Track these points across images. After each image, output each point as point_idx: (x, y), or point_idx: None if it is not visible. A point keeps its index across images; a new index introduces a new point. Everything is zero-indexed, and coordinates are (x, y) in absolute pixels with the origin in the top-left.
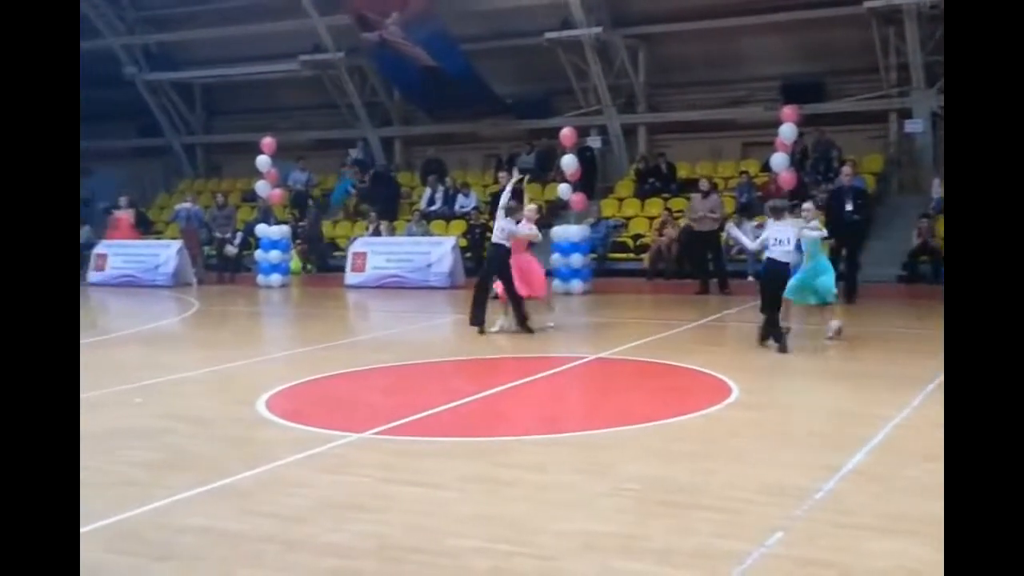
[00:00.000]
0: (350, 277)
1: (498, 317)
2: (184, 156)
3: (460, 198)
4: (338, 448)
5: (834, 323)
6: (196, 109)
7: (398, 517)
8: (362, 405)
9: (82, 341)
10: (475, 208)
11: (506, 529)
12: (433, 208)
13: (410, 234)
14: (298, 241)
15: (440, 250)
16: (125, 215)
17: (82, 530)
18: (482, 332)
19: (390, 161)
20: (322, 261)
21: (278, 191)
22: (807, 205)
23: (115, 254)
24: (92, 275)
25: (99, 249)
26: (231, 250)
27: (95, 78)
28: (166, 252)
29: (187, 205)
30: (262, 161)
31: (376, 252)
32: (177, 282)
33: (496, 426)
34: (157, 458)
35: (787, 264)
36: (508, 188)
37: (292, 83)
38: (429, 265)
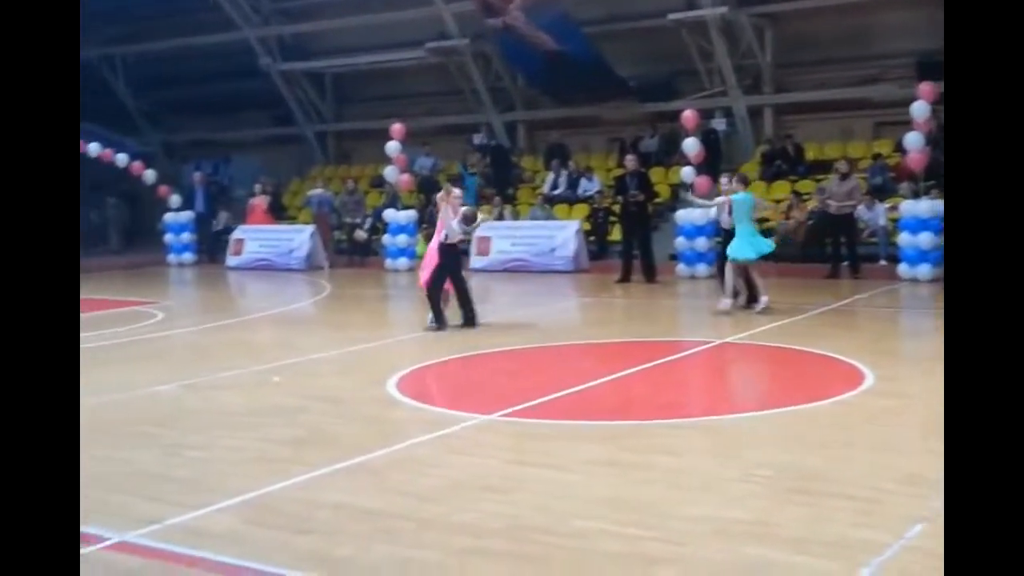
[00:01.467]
0: (475, 261)
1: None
2: (316, 144)
3: (583, 182)
4: (467, 429)
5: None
6: (327, 98)
7: (526, 498)
8: (490, 387)
9: (221, 322)
10: (598, 192)
11: (635, 513)
12: (556, 192)
13: (533, 218)
14: (424, 225)
15: (564, 234)
16: (260, 201)
17: (224, 503)
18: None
19: (513, 145)
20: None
21: (406, 176)
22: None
23: (252, 239)
24: (230, 259)
25: (237, 234)
26: (360, 235)
27: (233, 70)
28: (299, 237)
29: (318, 191)
30: (391, 147)
31: (500, 236)
32: (309, 266)
33: (624, 410)
34: (295, 435)
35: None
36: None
37: (418, 70)
38: (553, 249)
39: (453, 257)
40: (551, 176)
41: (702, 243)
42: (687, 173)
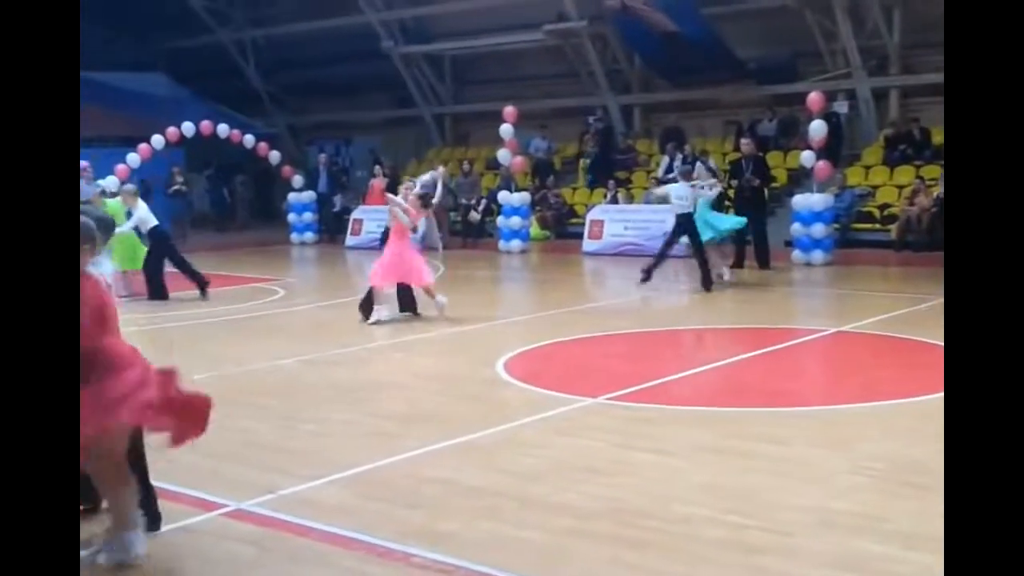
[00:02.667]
0: (587, 244)
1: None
2: (434, 125)
3: (698, 166)
4: (573, 411)
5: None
6: (446, 80)
7: (630, 482)
8: (597, 370)
9: (338, 300)
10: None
11: (740, 501)
12: (671, 176)
13: (647, 202)
14: (538, 208)
15: None
16: (379, 182)
17: (336, 476)
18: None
19: (629, 128)
20: (560, 228)
21: (519, 159)
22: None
23: (370, 219)
24: (349, 239)
25: (356, 214)
26: (475, 216)
27: (356, 53)
28: None
29: (436, 172)
30: (504, 129)
31: (613, 220)
32: (424, 246)
33: (733, 396)
34: (405, 412)
35: (689, 213)
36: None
37: (536, 52)
38: (666, 233)
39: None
40: (666, 159)
41: (819, 229)
42: (807, 158)
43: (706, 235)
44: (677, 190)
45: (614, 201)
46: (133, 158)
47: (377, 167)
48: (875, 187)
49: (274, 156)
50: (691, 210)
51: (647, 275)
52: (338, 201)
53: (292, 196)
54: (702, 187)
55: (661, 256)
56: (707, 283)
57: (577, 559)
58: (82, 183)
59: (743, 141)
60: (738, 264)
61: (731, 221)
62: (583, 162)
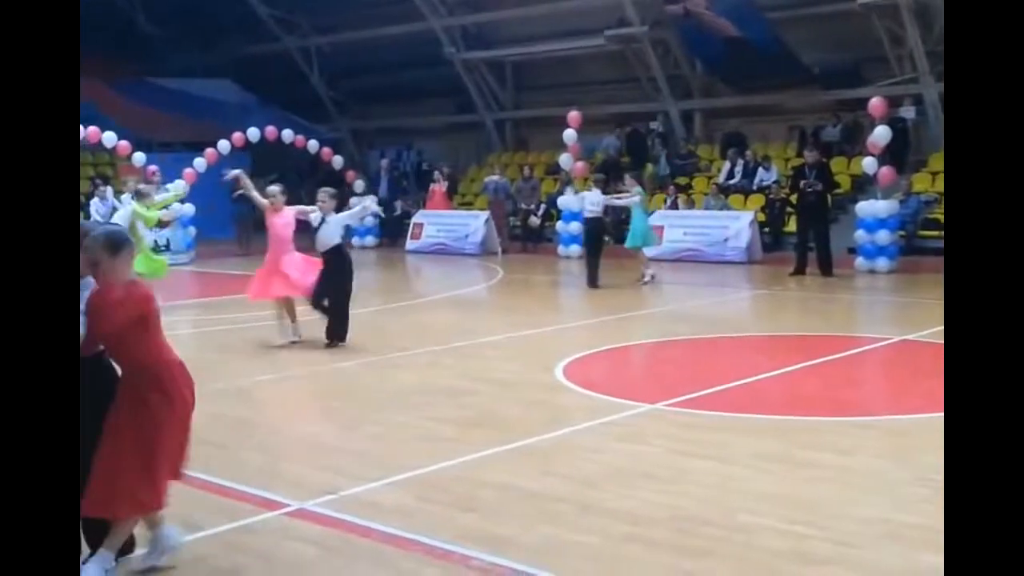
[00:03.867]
0: (648, 250)
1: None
2: (494, 131)
3: (760, 172)
4: (631, 417)
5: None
6: (507, 85)
7: (690, 489)
8: (656, 376)
9: (398, 304)
10: (775, 182)
11: (803, 511)
12: (732, 182)
13: (707, 208)
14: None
15: (738, 224)
16: (440, 187)
17: (396, 478)
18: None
19: (689, 134)
20: (620, 234)
21: (580, 164)
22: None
23: (430, 223)
24: (409, 243)
25: (416, 219)
26: (534, 221)
27: (419, 59)
28: (475, 222)
29: (495, 178)
30: (568, 134)
31: (673, 225)
32: (484, 251)
33: (794, 405)
34: (463, 416)
35: (599, 219)
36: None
37: (596, 58)
38: (726, 239)
39: (344, 262)
40: (727, 165)
41: (883, 236)
42: (869, 164)
43: (633, 242)
44: (589, 196)
45: (674, 207)
46: (200, 162)
47: (437, 172)
48: (942, 194)
49: (337, 160)
50: (600, 215)
51: (593, 284)
52: (399, 205)
53: (354, 200)
54: (618, 198)
55: (593, 264)
56: (592, 282)
57: (635, 566)
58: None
59: (806, 151)
60: (800, 271)
61: (651, 238)
62: (651, 168)
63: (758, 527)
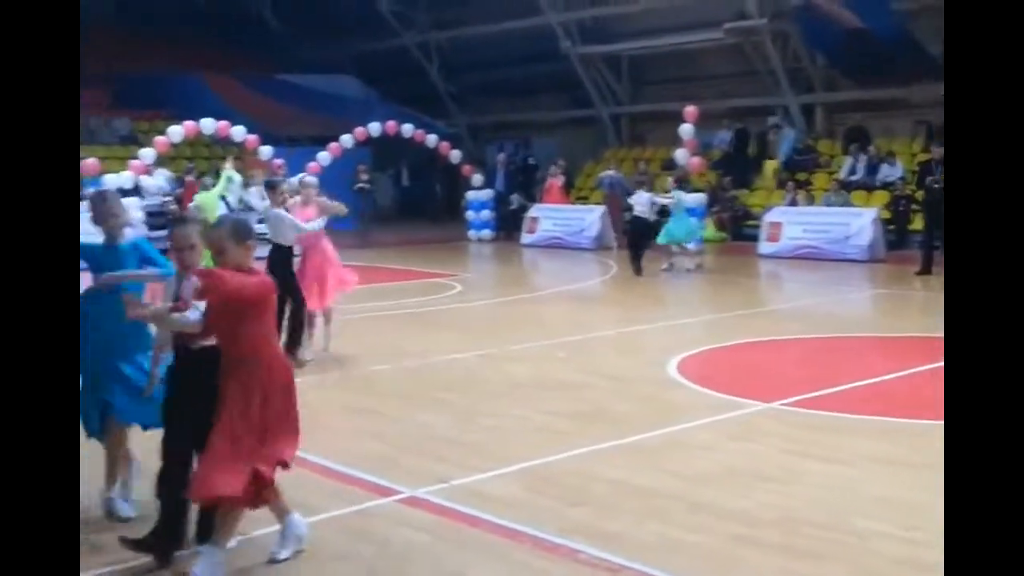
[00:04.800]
0: (764, 247)
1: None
2: (611, 126)
3: (884, 167)
4: (746, 416)
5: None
6: (623, 80)
7: (804, 491)
8: (773, 375)
9: (513, 296)
10: (900, 178)
11: (921, 518)
12: (854, 178)
13: (827, 204)
14: (714, 208)
15: (860, 221)
16: (556, 181)
17: (507, 469)
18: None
19: (810, 129)
20: (736, 230)
21: (697, 159)
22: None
23: (545, 217)
24: (525, 236)
25: (532, 212)
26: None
27: (536, 54)
28: (590, 217)
29: (610, 173)
30: (684, 129)
31: (792, 222)
32: (598, 245)
33: (917, 408)
34: (577, 410)
35: (645, 219)
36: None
37: (713, 52)
38: (847, 237)
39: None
40: (849, 161)
41: None
42: None
43: (664, 238)
44: (635, 197)
45: (793, 203)
46: (324, 156)
47: (553, 166)
48: None
49: (455, 155)
50: (645, 215)
51: (638, 270)
52: (515, 199)
53: (471, 194)
54: (656, 198)
55: (637, 256)
56: (637, 271)
57: (745, 566)
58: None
59: (934, 147)
60: (926, 270)
61: (690, 236)
62: (773, 164)
63: (873, 532)
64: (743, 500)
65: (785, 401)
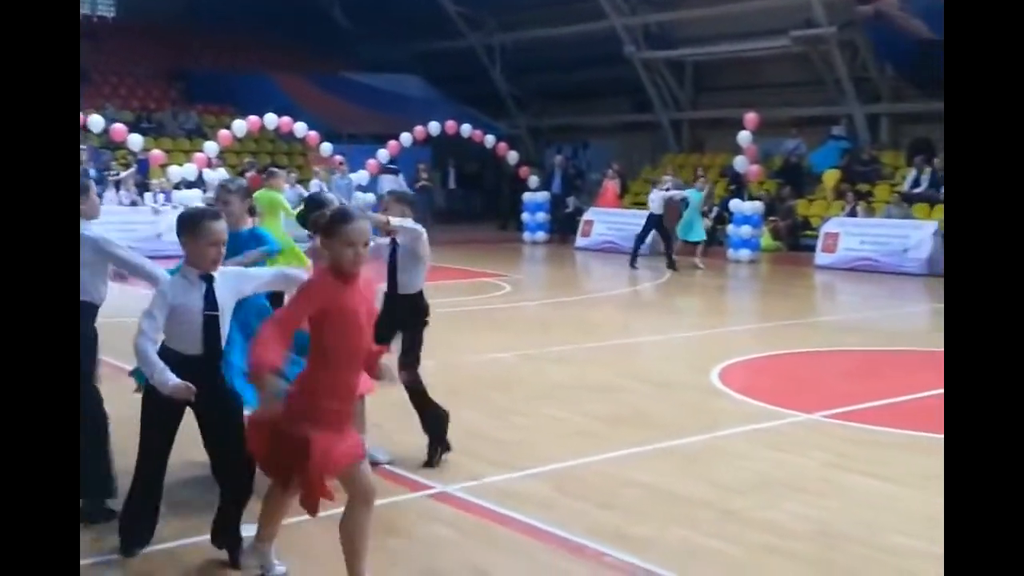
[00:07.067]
0: (820, 257)
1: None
2: (671, 131)
3: None
4: (786, 426)
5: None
6: (685, 86)
7: (841, 505)
8: (817, 386)
9: (562, 299)
10: None
11: None
12: (917, 190)
13: (889, 216)
14: (772, 218)
15: (919, 234)
16: (612, 184)
17: (538, 469)
18: None
19: (875, 139)
20: (793, 240)
21: (755, 167)
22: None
23: (600, 221)
24: (579, 240)
25: (587, 216)
26: (706, 224)
27: (598, 58)
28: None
29: (668, 178)
30: (743, 136)
31: (849, 233)
32: (652, 251)
33: None
34: (614, 412)
35: (658, 215)
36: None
37: (778, 59)
38: (906, 250)
39: None
40: (912, 173)
41: None
42: None
43: (684, 234)
44: (651, 195)
45: (852, 214)
46: (383, 153)
47: (609, 170)
48: None
49: (512, 156)
50: (659, 212)
51: (633, 263)
52: (571, 202)
53: (527, 196)
54: (671, 193)
55: (637, 246)
56: (671, 265)
57: None
58: (336, 176)
59: None
60: None
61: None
62: (834, 174)
63: (911, 550)
64: (776, 511)
65: (827, 413)
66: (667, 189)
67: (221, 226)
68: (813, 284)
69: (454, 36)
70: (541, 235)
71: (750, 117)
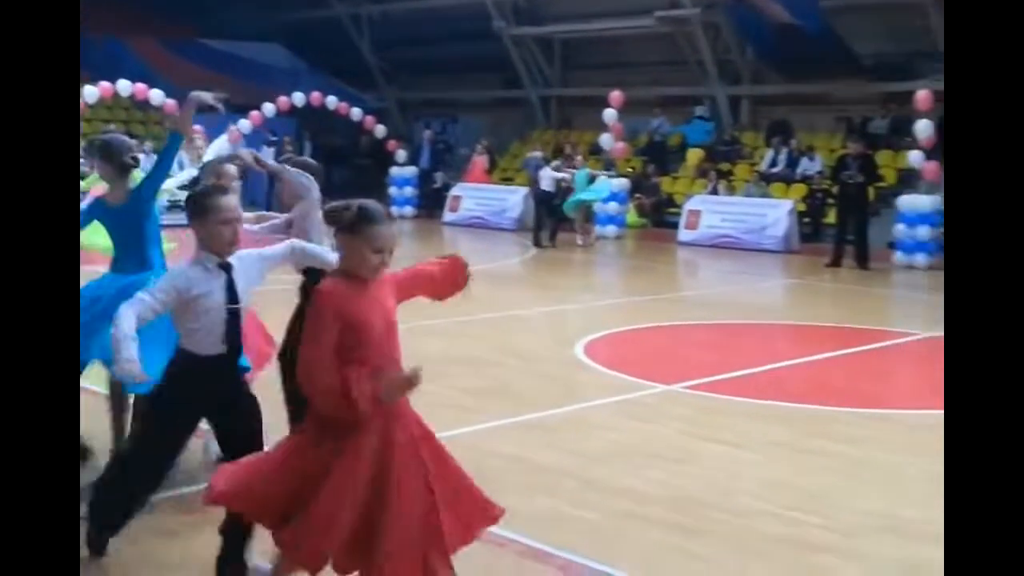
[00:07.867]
0: (683, 234)
1: None
2: (539, 108)
3: (804, 161)
4: (646, 397)
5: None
6: (554, 63)
7: (695, 471)
8: (676, 358)
9: None
10: (819, 172)
11: (805, 499)
12: (775, 170)
13: (748, 195)
14: (637, 195)
15: (776, 212)
16: (481, 160)
17: None
18: None
19: (736, 120)
20: (657, 216)
21: (621, 145)
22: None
23: (468, 196)
24: (447, 215)
25: (455, 191)
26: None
27: (468, 32)
28: (513, 198)
29: (536, 155)
30: (609, 114)
31: (711, 211)
32: (520, 226)
33: (812, 394)
34: (481, 386)
35: (550, 192)
36: None
37: (644, 39)
38: (764, 227)
39: None
40: (770, 153)
41: (924, 231)
42: (915, 158)
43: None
44: (542, 173)
45: (714, 192)
46: (244, 124)
47: (478, 145)
48: None
49: (380, 130)
50: (551, 190)
51: (536, 243)
52: (439, 177)
53: (395, 170)
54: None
55: (538, 226)
56: (548, 242)
57: (631, 542)
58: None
59: (850, 142)
60: (836, 263)
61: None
62: (697, 153)
63: (758, 511)
64: (635, 478)
65: (687, 384)
66: (557, 169)
67: (232, 201)
68: (676, 260)
69: (320, 5)
70: (409, 210)
71: (615, 95)
